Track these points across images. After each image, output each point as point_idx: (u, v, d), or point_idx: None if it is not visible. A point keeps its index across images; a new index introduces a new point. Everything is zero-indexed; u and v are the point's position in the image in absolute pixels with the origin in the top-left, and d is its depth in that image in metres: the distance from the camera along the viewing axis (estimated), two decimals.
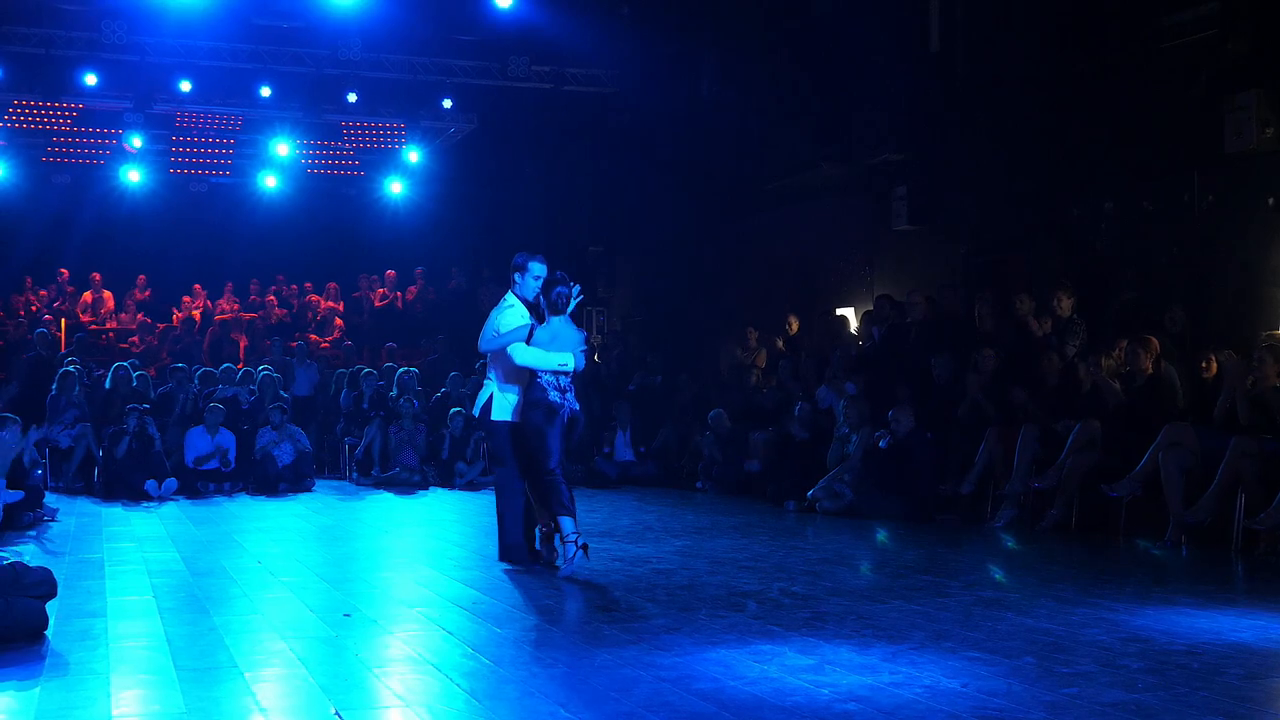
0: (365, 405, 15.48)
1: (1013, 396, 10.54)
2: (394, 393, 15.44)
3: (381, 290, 21.11)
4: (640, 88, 18.42)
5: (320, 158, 21.67)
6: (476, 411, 8.21)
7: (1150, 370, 9.64)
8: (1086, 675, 4.88)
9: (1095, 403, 9.83)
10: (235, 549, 9.12)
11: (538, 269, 7.94)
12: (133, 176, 20.04)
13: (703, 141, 17.36)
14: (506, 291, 8.05)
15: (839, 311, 15.13)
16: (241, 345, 19.75)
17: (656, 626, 5.87)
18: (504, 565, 7.92)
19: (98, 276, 20.53)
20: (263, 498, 13.10)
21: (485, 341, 7.90)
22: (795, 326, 15.20)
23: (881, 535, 9.85)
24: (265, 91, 18.33)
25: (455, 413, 14.74)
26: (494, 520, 8.08)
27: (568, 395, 7.75)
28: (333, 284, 21.20)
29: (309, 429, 15.04)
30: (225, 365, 16.10)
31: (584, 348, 7.97)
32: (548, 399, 7.66)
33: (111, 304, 20.54)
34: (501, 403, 7.89)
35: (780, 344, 15.04)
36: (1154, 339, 9.74)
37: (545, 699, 4.57)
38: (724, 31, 17.24)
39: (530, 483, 7.84)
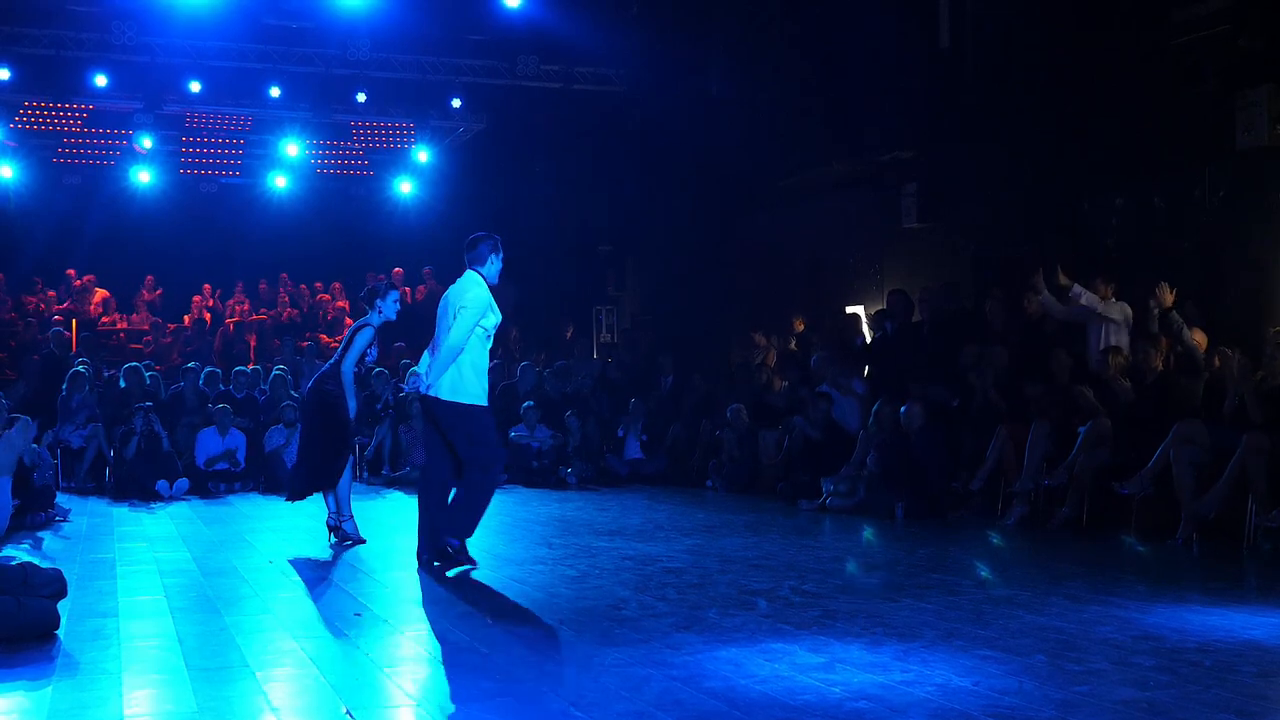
0: (376, 405, 15.49)
1: (1025, 393, 10.52)
2: (404, 392, 15.41)
3: None
4: (649, 87, 18.41)
5: (330, 158, 21.72)
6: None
7: (1160, 367, 9.61)
8: (1098, 673, 4.87)
9: (1107, 399, 9.80)
10: (246, 549, 9.14)
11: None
12: (143, 177, 20.07)
13: (712, 139, 17.33)
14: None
15: (849, 309, 15.10)
16: (251, 345, 19.77)
17: (667, 625, 5.87)
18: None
19: (90, 278, 20.49)
20: (274, 497, 13.11)
21: None
22: (800, 327, 15.17)
23: (892, 533, 9.84)
24: (275, 92, 18.34)
25: None
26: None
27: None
28: (336, 283, 21.22)
29: None
30: (238, 368, 16.11)
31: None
32: None
33: (115, 304, 20.55)
34: None
35: (794, 344, 15.02)
36: (1166, 332, 9.71)
37: (556, 697, 4.57)
38: (732, 30, 17.22)
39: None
